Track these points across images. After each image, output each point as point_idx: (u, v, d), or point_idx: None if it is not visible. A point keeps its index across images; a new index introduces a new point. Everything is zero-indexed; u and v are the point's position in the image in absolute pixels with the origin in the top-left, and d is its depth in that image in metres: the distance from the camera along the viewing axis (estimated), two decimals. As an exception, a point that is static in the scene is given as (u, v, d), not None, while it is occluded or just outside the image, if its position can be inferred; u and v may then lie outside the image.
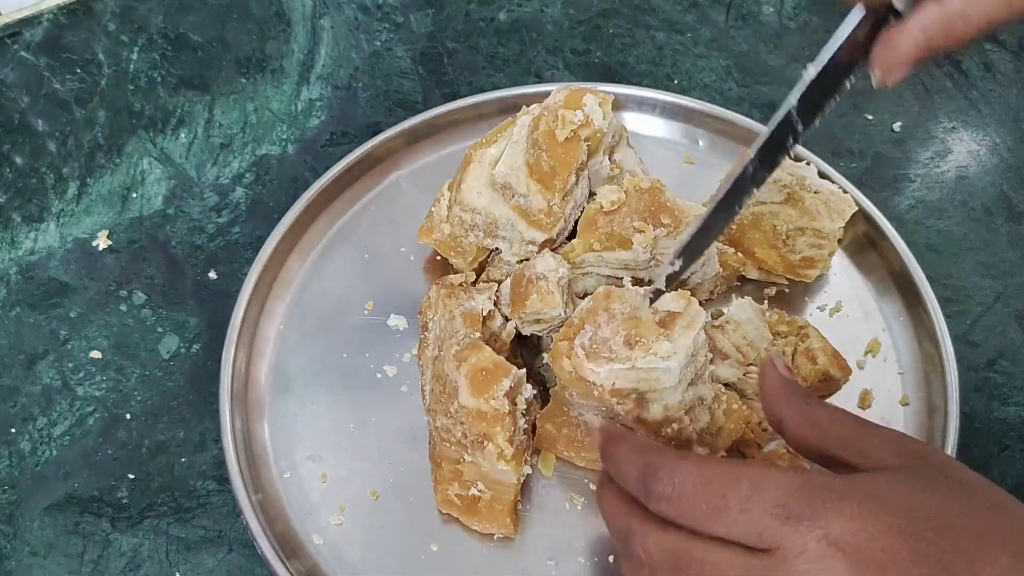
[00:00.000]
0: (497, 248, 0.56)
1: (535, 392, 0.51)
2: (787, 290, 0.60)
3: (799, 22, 0.75)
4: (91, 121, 0.69)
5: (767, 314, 0.56)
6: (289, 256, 0.61)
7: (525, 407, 0.50)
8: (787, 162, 0.59)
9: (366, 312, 0.59)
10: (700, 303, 0.49)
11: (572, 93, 0.54)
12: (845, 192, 0.59)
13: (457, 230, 0.56)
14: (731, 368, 0.53)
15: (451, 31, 0.73)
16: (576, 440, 0.51)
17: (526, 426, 0.49)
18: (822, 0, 0.76)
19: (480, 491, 0.50)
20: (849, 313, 0.59)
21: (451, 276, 0.56)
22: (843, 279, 0.61)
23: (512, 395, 0.48)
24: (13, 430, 0.57)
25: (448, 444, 0.51)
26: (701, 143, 0.66)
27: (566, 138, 0.52)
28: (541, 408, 0.53)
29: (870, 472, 0.36)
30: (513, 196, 0.54)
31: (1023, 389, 0.59)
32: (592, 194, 0.57)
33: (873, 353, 0.57)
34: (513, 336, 0.54)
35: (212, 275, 0.63)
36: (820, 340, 0.53)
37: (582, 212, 0.55)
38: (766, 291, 0.60)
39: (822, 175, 0.60)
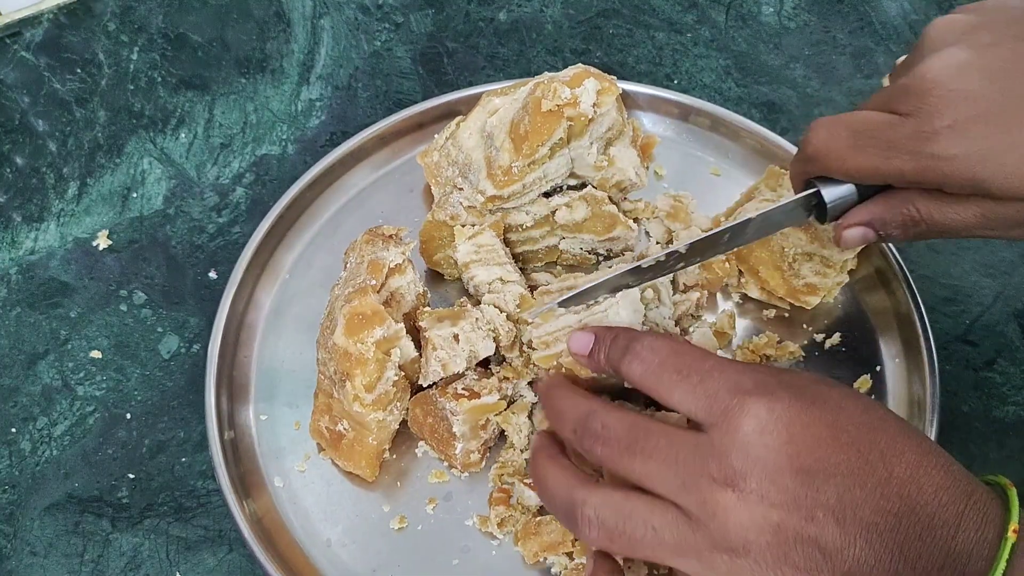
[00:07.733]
0: (461, 188, 0.57)
1: (419, 354, 0.53)
2: (787, 315, 0.59)
3: (799, 22, 0.75)
4: (91, 121, 0.69)
5: (760, 336, 0.57)
6: (302, 215, 0.62)
7: (399, 361, 0.51)
8: None
9: None
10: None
11: (580, 72, 0.55)
12: None
13: (442, 161, 0.59)
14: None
15: (451, 31, 0.73)
16: (437, 433, 0.53)
17: (396, 378, 0.51)
18: (822, 0, 0.76)
19: (345, 429, 0.52)
20: (845, 347, 0.58)
21: (384, 227, 0.57)
22: (847, 312, 0.59)
23: (385, 346, 0.50)
24: (13, 430, 0.57)
25: (324, 377, 0.53)
26: (731, 156, 0.65)
27: (549, 110, 0.53)
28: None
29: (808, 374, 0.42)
30: (490, 146, 0.56)
31: (1022, 389, 0.59)
32: (574, 187, 0.58)
33: (861, 390, 0.56)
34: (416, 298, 0.55)
35: (212, 275, 0.63)
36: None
37: (553, 188, 0.57)
38: (765, 312, 0.59)
39: None
